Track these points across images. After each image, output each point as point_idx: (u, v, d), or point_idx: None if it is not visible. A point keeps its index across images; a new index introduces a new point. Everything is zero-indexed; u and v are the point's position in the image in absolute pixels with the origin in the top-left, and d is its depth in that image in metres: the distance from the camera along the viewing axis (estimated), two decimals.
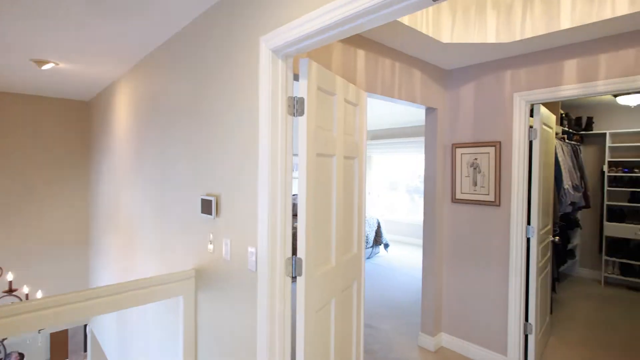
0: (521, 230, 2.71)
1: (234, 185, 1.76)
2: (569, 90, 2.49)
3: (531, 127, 2.74)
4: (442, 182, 3.12)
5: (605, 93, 2.37)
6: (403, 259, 6.07)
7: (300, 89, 1.64)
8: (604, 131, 4.94)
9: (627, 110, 4.90)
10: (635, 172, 4.73)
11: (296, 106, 1.65)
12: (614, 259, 4.83)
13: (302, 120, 1.63)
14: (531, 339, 2.75)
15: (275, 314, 1.60)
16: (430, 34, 2.35)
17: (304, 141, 1.63)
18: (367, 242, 5.62)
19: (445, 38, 2.47)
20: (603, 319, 3.75)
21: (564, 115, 4.55)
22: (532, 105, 2.76)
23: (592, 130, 5.07)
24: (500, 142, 2.79)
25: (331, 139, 1.87)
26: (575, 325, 3.57)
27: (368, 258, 5.90)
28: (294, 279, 1.67)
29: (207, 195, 1.95)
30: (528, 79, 2.67)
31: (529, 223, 2.77)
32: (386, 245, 5.95)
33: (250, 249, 1.65)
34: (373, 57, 2.44)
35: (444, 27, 2.46)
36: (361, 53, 2.34)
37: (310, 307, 1.68)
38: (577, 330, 3.47)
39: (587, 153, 5.31)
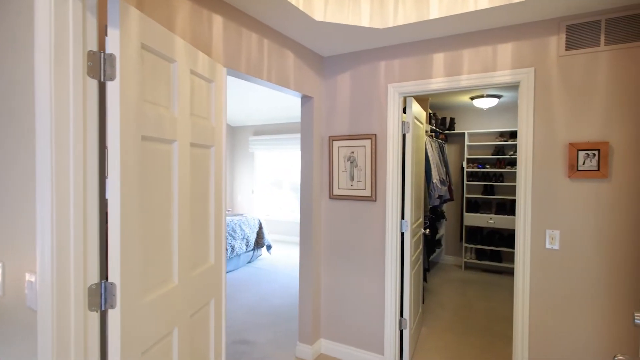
0: (396, 225, 2.64)
1: (8, 181, 1.17)
2: (438, 83, 2.49)
3: (404, 122, 2.71)
4: (319, 177, 2.90)
5: (468, 87, 2.43)
6: (287, 260, 5.82)
7: (110, 43, 1.16)
8: (464, 131, 5.47)
9: (481, 113, 5.51)
10: (487, 168, 5.33)
11: (104, 66, 1.15)
12: (471, 245, 5.38)
13: (112, 87, 1.15)
14: (406, 334, 2.71)
15: None
16: (301, 9, 2.07)
17: (116, 116, 1.15)
18: (247, 245, 5.20)
19: (318, 16, 2.22)
20: (465, 302, 4.06)
21: (432, 114, 4.85)
22: (405, 99, 2.73)
23: (454, 129, 5.56)
24: (375, 135, 2.69)
25: (169, 120, 1.41)
26: (444, 312, 3.76)
27: (249, 262, 5.49)
28: (105, 312, 1.18)
29: None
30: (401, 70, 2.61)
31: (402, 217, 2.73)
32: (268, 247, 5.62)
33: (29, 277, 1.10)
34: (235, 27, 2.04)
35: (316, 6, 2.21)
36: (218, 19, 1.92)
37: (131, 348, 1.21)
38: (445, 316, 3.65)
39: (450, 150, 5.83)
